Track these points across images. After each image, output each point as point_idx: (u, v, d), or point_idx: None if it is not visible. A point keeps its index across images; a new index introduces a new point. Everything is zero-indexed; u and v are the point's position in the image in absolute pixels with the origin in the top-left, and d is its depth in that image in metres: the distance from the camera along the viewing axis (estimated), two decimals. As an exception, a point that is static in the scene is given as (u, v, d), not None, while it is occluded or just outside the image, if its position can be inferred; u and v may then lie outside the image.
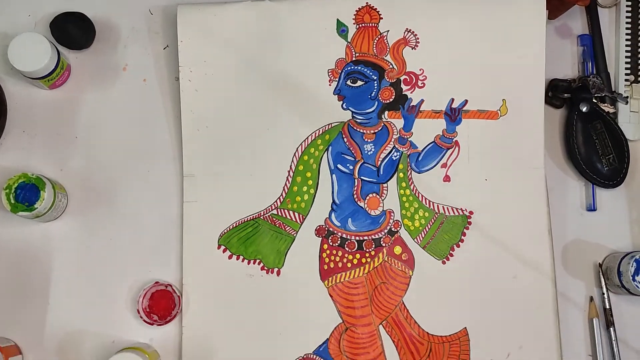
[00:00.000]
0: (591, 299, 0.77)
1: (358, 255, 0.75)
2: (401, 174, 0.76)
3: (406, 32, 0.77)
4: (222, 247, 0.75)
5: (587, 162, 0.78)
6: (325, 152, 0.77)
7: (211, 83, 0.76)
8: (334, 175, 0.76)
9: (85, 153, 0.78)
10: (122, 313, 0.75)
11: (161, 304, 0.73)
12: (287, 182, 0.76)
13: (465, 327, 0.74)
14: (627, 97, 0.80)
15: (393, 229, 0.76)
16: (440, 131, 0.76)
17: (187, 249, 0.75)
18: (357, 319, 0.74)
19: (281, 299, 0.74)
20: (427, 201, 0.76)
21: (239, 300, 0.74)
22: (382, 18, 0.77)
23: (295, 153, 0.76)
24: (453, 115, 0.76)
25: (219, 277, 0.74)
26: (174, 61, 0.78)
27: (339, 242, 0.75)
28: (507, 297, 0.74)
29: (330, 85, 0.77)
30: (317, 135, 0.77)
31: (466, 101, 0.76)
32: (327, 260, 0.75)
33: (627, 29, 0.81)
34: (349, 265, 0.75)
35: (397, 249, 0.76)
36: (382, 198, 0.76)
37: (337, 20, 0.77)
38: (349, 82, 0.77)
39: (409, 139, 0.77)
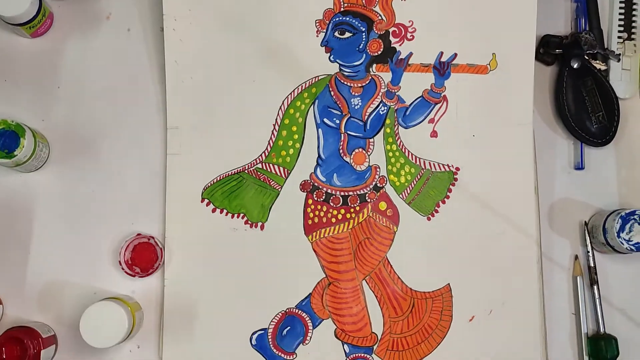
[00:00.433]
0: (576, 257, 0.77)
1: (343, 211, 0.75)
2: (388, 129, 0.75)
3: (396, -17, 0.75)
4: (206, 201, 0.74)
5: (576, 119, 0.77)
6: (312, 106, 0.75)
7: (196, 33, 0.75)
8: (320, 130, 0.75)
9: (67, 104, 0.76)
10: (104, 265, 0.74)
11: (143, 257, 0.73)
12: (272, 136, 0.75)
13: (449, 284, 0.74)
14: (620, 54, 0.78)
15: (378, 185, 0.75)
16: (428, 85, 0.75)
17: (170, 201, 0.74)
18: (341, 274, 0.74)
19: (264, 254, 0.74)
20: (414, 157, 0.75)
21: (221, 254, 0.74)
22: (371, -32, 0.75)
23: (281, 106, 0.75)
24: (442, 69, 0.75)
25: (202, 231, 0.74)
26: (159, 10, 0.76)
27: (323, 197, 0.75)
28: (491, 254, 0.74)
29: (317, 36, 0.75)
30: (303, 88, 0.75)
31: (455, 55, 0.75)
32: (311, 215, 0.75)
33: (622, -16, 0.80)
34: (334, 220, 0.75)
35: (382, 205, 0.75)
36: (368, 153, 0.75)
37: (326, -31, 0.75)
38: (336, 34, 0.75)
39: (397, 93, 0.75)
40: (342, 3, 0.75)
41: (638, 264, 0.77)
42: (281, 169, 0.75)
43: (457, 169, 0.75)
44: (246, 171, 0.75)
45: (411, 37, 0.75)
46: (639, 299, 0.76)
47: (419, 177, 0.75)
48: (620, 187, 0.78)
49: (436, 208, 0.75)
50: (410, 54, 0.75)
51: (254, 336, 0.73)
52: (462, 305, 0.74)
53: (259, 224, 0.74)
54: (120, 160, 0.76)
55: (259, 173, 0.75)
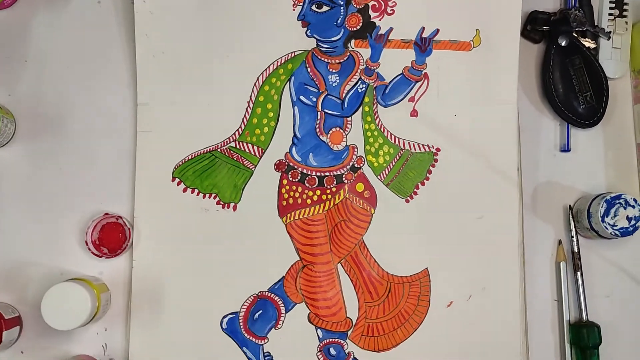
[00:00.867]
0: (559, 242, 0.74)
1: (318, 192, 0.72)
2: (366, 108, 0.73)
3: (376, -45, 0.72)
4: (177, 180, 0.72)
5: (563, 99, 0.74)
6: (287, 83, 0.72)
7: (167, 5, 0.72)
8: (295, 107, 0.73)
9: (35, 78, 0.74)
10: (71, 245, 0.72)
11: (111, 237, 0.70)
12: (246, 114, 0.72)
13: (427, 268, 0.72)
14: (610, 32, 0.75)
15: (356, 165, 0.72)
16: (409, 62, 0.72)
17: (140, 180, 0.72)
18: (315, 256, 0.72)
19: (237, 235, 0.71)
20: (393, 137, 0.72)
21: (192, 235, 0.71)
22: (351, -61, 0.72)
23: (255, 83, 0.72)
24: (423, 45, 0.72)
25: (172, 211, 0.71)
26: (130, -18, 0.74)
27: (299, 177, 0.72)
28: (472, 238, 0.72)
29: (294, 10, 0.72)
30: (279, 64, 0.72)
31: (437, 30, 0.72)
32: (286, 196, 0.72)
33: (614, -41, 0.76)
34: (309, 201, 0.72)
35: (360, 186, 0.72)
36: (346, 132, 0.72)
37: (303, -60, 0.72)
38: (314, 7, 0.72)
39: (376, 70, 0.72)
40: (319, -25, 0.72)
41: (623, 250, 0.74)
42: (255, 147, 0.72)
43: (438, 149, 0.73)
44: (219, 150, 0.72)
45: (391, 12, 0.72)
46: (623, 286, 0.74)
47: (397, 157, 0.72)
48: (608, 170, 0.75)
49: (415, 190, 0.72)
50: (391, 29, 0.72)
51: (225, 320, 0.71)
52: (441, 290, 0.72)
53: (232, 204, 0.72)
54: (89, 137, 0.73)
55: (232, 152, 0.72)
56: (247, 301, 0.71)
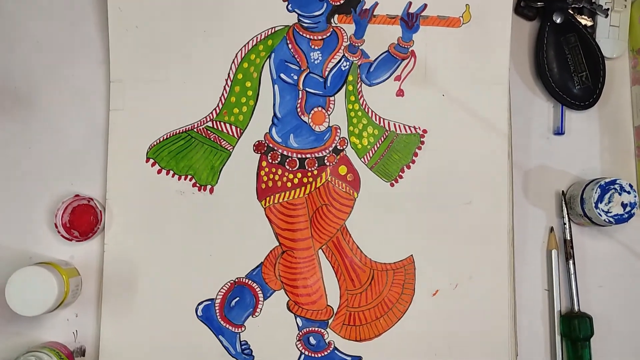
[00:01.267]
0: (551, 229, 0.71)
1: (299, 175, 0.69)
2: (350, 87, 0.69)
3: None
4: (151, 161, 0.69)
5: (557, 80, 0.70)
6: (267, 60, 0.69)
7: (142, -23, 0.68)
8: (276, 86, 0.69)
9: (3, 53, 0.71)
10: (41, 228, 0.69)
11: (82, 219, 0.68)
12: (224, 92, 0.69)
13: (412, 255, 0.69)
14: (608, 9, 0.71)
15: (339, 147, 0.69)
16: (395, 39, 0.69)
17: (113, 161, 0.69)
18: (295, 242, 0.69)
19: (213, 219, 0.68)
20: (377, 117, 0.69)
21: (167, 219, 0.68)
22: None
23: (234, 59, 0.69)
24: (410, 21, 0.68)
25: (146, 193, 0.68)
26: (103, -48, 0.70)
27: (279, 159, 0.69)
28: (459, 224, 0.69)
29: (274, -17, 0.69)
30: (258, 40, 0.69)
31: (425, 5, 0.68)
32: (265, 178, 0.69)
33: None
34: (289, 184, 0.69)
35: (342, 169, 0.69)
36: (328, 113, 0.69)
37: None
38: (295, -20, 0.69)
39: (360, 47, 0.69)
40: (300, -55, 0.68)
41: (617, 237, 0.71)
42: (233, 128, 0.69)
43: (425, 131, 0.69)
44: (195, 130, 0.69)
45: (377, -15, 0.68)
46: (617, 276, 0.71)
47: (382, 139, 0.69)
48: (603, 155, 0.72)
49: (400, 173, 0.69)
50: (376, 4, 0.69)
51: (200, 307, 0.68)
52: (426, 278, 0.69)
53: (208, 187, 0.69)
54: (59, 115, 0.70)
55: (209, 132, 0.69)
56: (224, 288, 0.68)
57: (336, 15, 0.69)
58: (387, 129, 0.69)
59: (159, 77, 0.69)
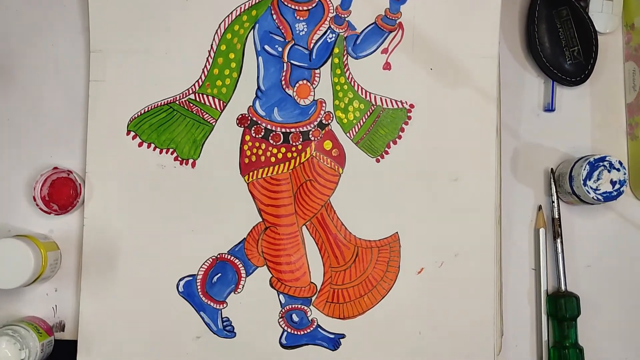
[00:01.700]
0: (539, 208, 0.70)
1: (283, 149, 0.68)
2: (336, 59, 0.68)
3: None
4: (132, 134, 0.67)
5: (548, 54, 0.69)
6: (251, 31, 0.67)
7: (122, -56, 0.66)
8: (260, 58, 0.68)
9: (-18, 22, 0.69)
10: (19, 201, 0.68)
11: (61, 192, 0.66)
12: (207, 64, 0.67)
13: (397, 232, 0.67)
14: (602, -18, 0.70)
15: (324, 122, 0.68)
16: (382, 11, 0.67)
17: (92, 133, 0.67)
18: (279, 218, 0.67)
19: (195, 193, 0.67)
20: (364, 91, 0.67)
21: (148, 193, 0.67)
22: None
23: (217, 30, 0.67)
24: (398, -8, 0.67)
25: (126, 166, 0.67)
26: None
27: (262, 133, 0.68)
28: (445, 201, 0.67)
29: (259, -49, 0.67)
30: (242, 10, 0.67)
31: (413, -24, 0.67)
32: (248, 153, 0.68)
33: None
34: (273, 159, 0.68)
35: (327, 144, 0.68)
36: (314, 86, 0.68)
37: None
38: (280, -51, 0.66)
39: (347, 19, 0.67)
40: None
41: (606, 216, 0.70)
42: (216, 100, 0.67)
43: (412, 105, 0.68)
44: (177, 102, 0.67)
45: (364, -46, 0.66)
46: (605, 256, 0.70)
47: (368, 114, 0.68)
48: (594, 132, 0.71)
49: (386, 149, 0.68)
50: (363, -26, 0.67)
51: (181, 283, 0.67)
52: (411, 256, 0.67)
53: (190, 160, 0.67)
54: (37, 86, 0.69)
55: (191, 105, 0.67)
56: (206, 263, 0.67)
57: (322, -14, 0.67)
58: (374, 103, 0.68)
59: (140, 47, 0.67)
